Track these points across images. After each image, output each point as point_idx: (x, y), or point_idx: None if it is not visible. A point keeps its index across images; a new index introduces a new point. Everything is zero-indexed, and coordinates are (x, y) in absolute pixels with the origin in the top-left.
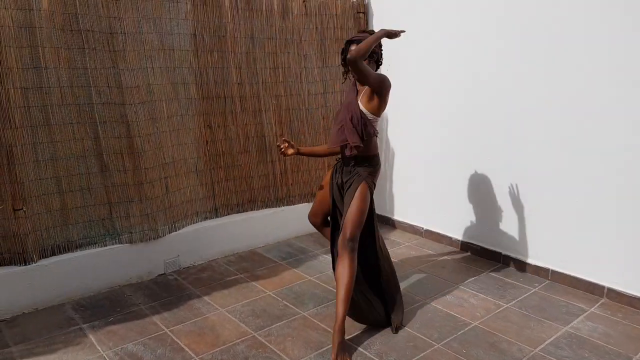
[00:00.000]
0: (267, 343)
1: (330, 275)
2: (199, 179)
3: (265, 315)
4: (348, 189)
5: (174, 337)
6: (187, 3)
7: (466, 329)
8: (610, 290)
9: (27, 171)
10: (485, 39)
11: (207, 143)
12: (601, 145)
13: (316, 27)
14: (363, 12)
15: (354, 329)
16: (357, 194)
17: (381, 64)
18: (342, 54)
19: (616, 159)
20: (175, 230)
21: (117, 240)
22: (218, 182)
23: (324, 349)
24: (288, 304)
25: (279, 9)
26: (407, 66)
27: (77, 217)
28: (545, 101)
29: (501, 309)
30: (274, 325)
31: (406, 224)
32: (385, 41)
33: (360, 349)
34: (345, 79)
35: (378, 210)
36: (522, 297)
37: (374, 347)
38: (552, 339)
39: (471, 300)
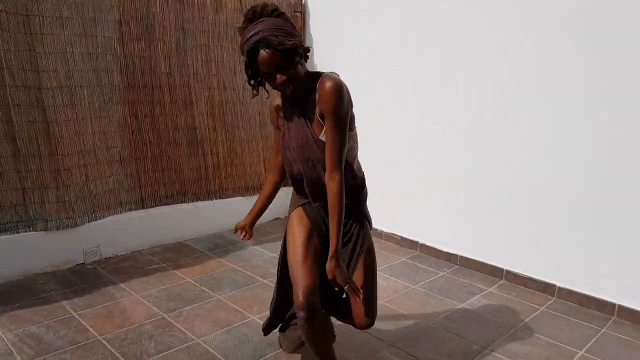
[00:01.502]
0: (175, 323)
1: (254, 263)
2: (123, 168)
3: (179, 299)
4: (350, 241)
5: (80, 320)
6: None
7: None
8: (508, 272)
9: None
10: (431, 34)
11: (132, 132)
12: (509, 140)
13: None
14: (300, 12)
15: None
16: (370, 248)
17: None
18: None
19: (505, 152)
20: (96, 220)
21: (30, 228)
22: (145, 173)
23: (232, 326)
24: (205, 289)
25: (212, 3)
26: (346, 68)
27: None
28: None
29: (408, 289)
30: (185, 308)
31: None
32: (322, 41)
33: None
34: (255, 95)
35: None
36: (430, 279)
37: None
38: (447, 313)
39: (382, 283)
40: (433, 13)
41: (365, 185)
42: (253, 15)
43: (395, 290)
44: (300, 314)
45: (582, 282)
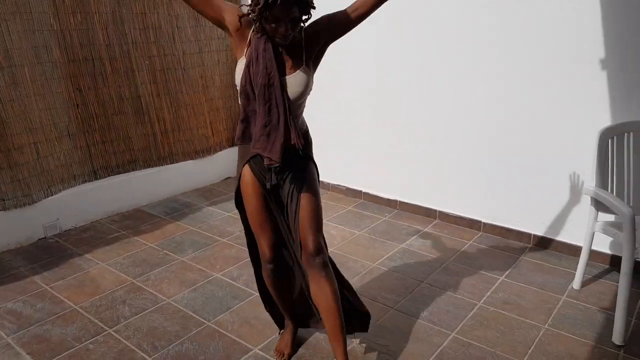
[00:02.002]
0: (144, 287)
1: (210, 224)
2: (72, 142)
3: (144, 264)
4: (292, 179)
5: (54, 292)
6: None
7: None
8: (441, 212)
9: None
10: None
11: (77, 106)
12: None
13: None
14: None
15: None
16: (313, 181)
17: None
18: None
19: (434, 105)
20: (52, 195)
21: None
22: (94, 145)
23: (198, 285)
24: (168, 253)
25: None
26: None
27: None
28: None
29: (354, 236)
30: (152, 272)
31: None
32: None
33: None
34: (257, 32)
35: None
36: (374, 225)
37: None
38: (389, 254)
39: (332, 232)
40: None
41: (308, 131)
42: None
43: (343, 237)
44: (268, 266)
45: (503, 217)
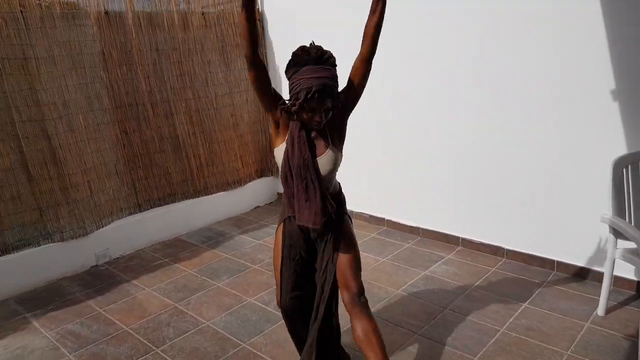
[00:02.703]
0: (186, 310)
1: (242, 251)
2: (120, 179)
3: (185, 290)
4: (334, 236)
5: (107, 315)
6: (92, 26)
7: None
8: (464, 239)
9: None
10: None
11: (124, 147)
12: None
13: (217, 36)
14: (259, 20)
15: None
16: (350, 235)
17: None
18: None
19: (455, 136)
20: (102, 227)
21: (49, 240)
22: (138, 180)
23: (233, 309)
24: (206, 279)
25: (180, 23)
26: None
27: (11, 223)
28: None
29: (378, 262)
30: (192, 296)
31: None
32: (281, 46)
33: None
34: (293, 118)
35: None
36: (397, 252)
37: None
38: (412, 281)
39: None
40: None
41: (341, 190)
42: (321, 57)
43: (367, 264)
44: (282, 313)
45: (526, 244)
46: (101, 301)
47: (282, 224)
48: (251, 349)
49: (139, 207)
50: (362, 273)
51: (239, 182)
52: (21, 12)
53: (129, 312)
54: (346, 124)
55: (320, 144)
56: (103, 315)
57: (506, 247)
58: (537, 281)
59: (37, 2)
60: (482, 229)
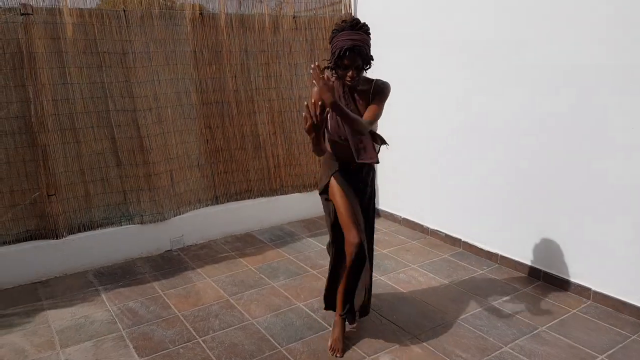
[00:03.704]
0: (236, 305)
1: (306, 254)
2: (200, 171)
3: (241, 285)
4: (367, 196)
5: (165, 298)
6: (187, 25)
7: (403, 300)
8: (545, 273)
9: (58, 165)
10: (477, 48)
11: (207, 141)
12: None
13: (306, 39)
14: None
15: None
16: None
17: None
18: (332, 62)
19: (540, 162)
20: (180, 214)
21: (130, 221)
22: (218, 174)
23: (280, 311)
24: (263, 277)
25: (270, 26)
26: (394, 71)
27: (98, 202)
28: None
29: (443, 286)
30: (246, 292)
31: (387, 212)
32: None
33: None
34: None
35: None
36: (467, 277)
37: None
38: (475, 311)
39: (420, 279)
40: (487, 25)
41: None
42: (356, 25)
43: (430, 286)
44: (355, 250)
45: (619, 288)
46: (164, 284)
47: (333, 177)
48: (287, 354)
49: (216, 200)
50: (418, 290)
51: (316, 185)
52: (124, 10)
53: (186, 298)
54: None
55: (361, 105)
56: (162, 298)
57: (594, 288)
58: (624, 332)
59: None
60: (568, 265)
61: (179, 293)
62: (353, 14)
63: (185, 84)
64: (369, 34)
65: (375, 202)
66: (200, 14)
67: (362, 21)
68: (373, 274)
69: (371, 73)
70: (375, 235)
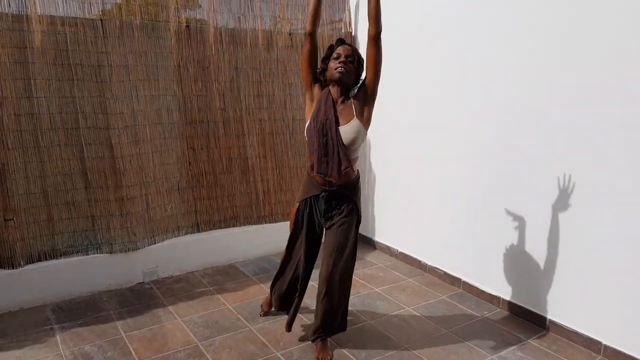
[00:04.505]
0: (205, 353)
1: None
2: (180, 196)
3: (215, 327)
4: (340, 221)
5: (127, 342)
6: (171, 38)
7: (394, 352)
8: (552, 322)
9: (17, 186)
10: (481, 67)
11: (189, 163)
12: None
13: None
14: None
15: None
16: (352, 238)
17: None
18: (323, 62)
19: (545, 203)
20: (155, 243)
21: (98, 250)
22: (200, 200)
23: None
24: (240, 317)
25: (264, 42)
26: (391, 95)
27: (63, 228)
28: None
29: (439, 333)
30: (219, 337)
31: (383, 245)
32: None
33: None
34: (324, 87)
35: (361, 230)
36: (467, 323)
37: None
38: None
39: (413, 324)
40: (475, 36)
41: (359, 181)
42: (344, 41)
43: (425, 333)
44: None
45: (633, 344)
46: (129, 324)
47: (300, 202)
48: None
49: (197, 227)
50: (412, 338)
51: None
52: (101, 20)
53: (150, 342)
54: (371, 112)
55: (346, 114)
56: (123, 341)
57: (604, 342)
58: None
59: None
60: (578, 315)
61: (144, 335)
62: (353, 34)
63: (167, 101)
64: (358, 54)
65: (358, 230)
66: (187, 26)
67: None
68: (364, 316)
69: None
70: (369, 271)
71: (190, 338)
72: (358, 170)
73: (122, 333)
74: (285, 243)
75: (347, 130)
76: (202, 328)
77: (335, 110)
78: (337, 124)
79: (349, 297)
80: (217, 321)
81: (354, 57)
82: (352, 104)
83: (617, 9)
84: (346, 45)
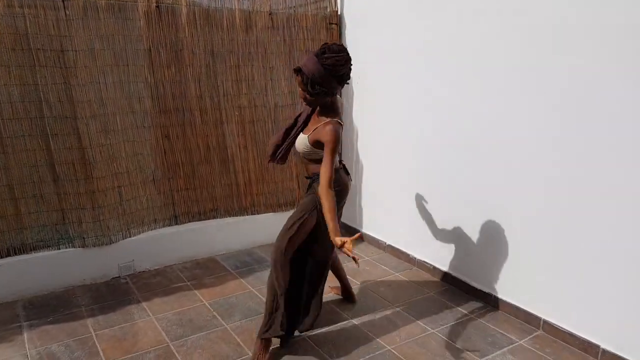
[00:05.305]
0: (176, 354)
1: None
2: (156, 187)
3: (189, 325)
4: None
5: (95, 341)
6: (140, 19)
7: (376, 354)
8: (546, 322)
9: None
10: (469, 57)
11: (165, 153)
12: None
13: (284, 40)
14: (335, 24)
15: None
16: (299, 210)
17: (347, 84)
18: (297, 73)
19: (536, 206)
20: (130, 237)
21: (70, 245)
22: (178, 191)
23: None
24: (216, 315)
25: (242, 24)
26: (379, 81)
27: (31, 222)
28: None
29: (425, 334)
30: (192, 336)
31: (372, 237)
32: (358, 55)
33: None
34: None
35: (349, 222)
36: (455, 322)
37: None
38: None
39: (398, 323)
40: (483, 36)
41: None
42: (321, 53)
43: (409, 333)
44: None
45: (633, 348)
46: (100, 322)
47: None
48: None
49: (176, 219)
50: (396, 341)
51: (292, 204)
52: (62, 1)
53: (120, 341)
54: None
55: (308, 129)
56: (92, 340)
57: (603, 345)
58: None
59: None
60: (573, 313)
61: (114, 334)
62: (339, 12)
63: (138, 87)
64: (334, 65)
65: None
66: (157, 6)
67: (324, 51)
68: (346, 314)
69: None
70: (355, 264)
71: (161, 337)
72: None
73: (92, 331)
74: (268, 234)
75: (300, 138)
76: (176, 327)
77: (305, 123)
78: (294, 128)
79: (274, 301)
80: (191, 319)
81: (306, 84)
82: (316, 122)
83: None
84: (296, 76)
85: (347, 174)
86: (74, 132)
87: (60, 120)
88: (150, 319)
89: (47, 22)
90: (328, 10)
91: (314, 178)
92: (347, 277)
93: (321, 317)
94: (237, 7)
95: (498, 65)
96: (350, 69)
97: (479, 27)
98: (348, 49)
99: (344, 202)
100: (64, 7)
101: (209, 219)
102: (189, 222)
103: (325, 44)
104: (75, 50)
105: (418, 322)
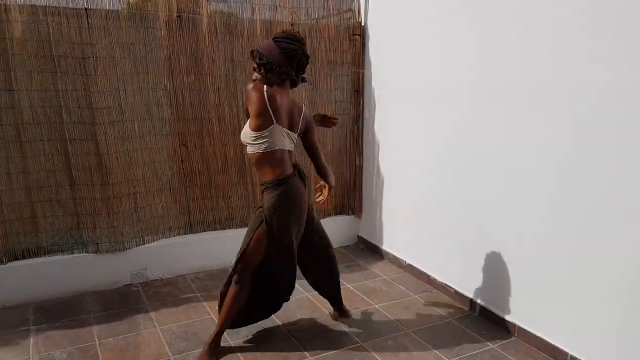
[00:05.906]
0: None
1: (285, 304)
2: (172, 195)
3: (193, 339)
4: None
5: (98, 350)
6: (161, 28)
7: None
8: (572, 358)
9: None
10: (494, 68)
11: (182, 161)
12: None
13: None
14: (359, 35)
15: None
16: (254, 219)
17: (302, 72)
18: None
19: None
20: (144, 244)
21: (84, 250)
22: (194, 200)
23: None
24: None
25: (263, 33)
26: (401, 95)
27: (47, 225)
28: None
29: None
30: (194, 351)
31: (392, 255)
32: (380, 67)
33: None
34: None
35: (368, 237)
36: (473, 352)
37: None
38: None
39: (411, 349)
40: (489, 39)
41: (279, 187)
42: (277, 36)
43: None
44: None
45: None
46: (105, 330)
47: None
48: None
49: (191, 228)
50: None
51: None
52: (85, 9)
53: (122, 352)
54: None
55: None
56: (94, 349)
57: (572, 353)
58: None
59: None
60: (547, 323)
61: (117, 344)
62: (363, 23)
63: (157, 95)
64: (280, 42)
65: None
66: (178, 16)
67: (283, 33)
68: (357, 338)
69: None
70: (371, 283)
71: (164, 350)
72: (283, 173)
73: (97, 340)
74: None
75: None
76: (179, 340)
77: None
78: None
79: (227, 317)
80: (196, 333)
81: (259, 65)
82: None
83: None
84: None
85: (303, 178)
86: (92, 138)
87: (79, 126)
88: (156, 330)
89: (69, 29)
90: (352, 21)
91: (265, 186)
92: (361, 296)
93: (328, 340)
94: (258, 17)
95: (520, 90)
96: (303, 55)
97: (506, 47)
98: (371, 59)
99: (299, 215)
100: (87, 16)
101: (224, 228)
102: (204, 231)
103: (284, 31)
104: (96, 57)
105: (434, 350)
